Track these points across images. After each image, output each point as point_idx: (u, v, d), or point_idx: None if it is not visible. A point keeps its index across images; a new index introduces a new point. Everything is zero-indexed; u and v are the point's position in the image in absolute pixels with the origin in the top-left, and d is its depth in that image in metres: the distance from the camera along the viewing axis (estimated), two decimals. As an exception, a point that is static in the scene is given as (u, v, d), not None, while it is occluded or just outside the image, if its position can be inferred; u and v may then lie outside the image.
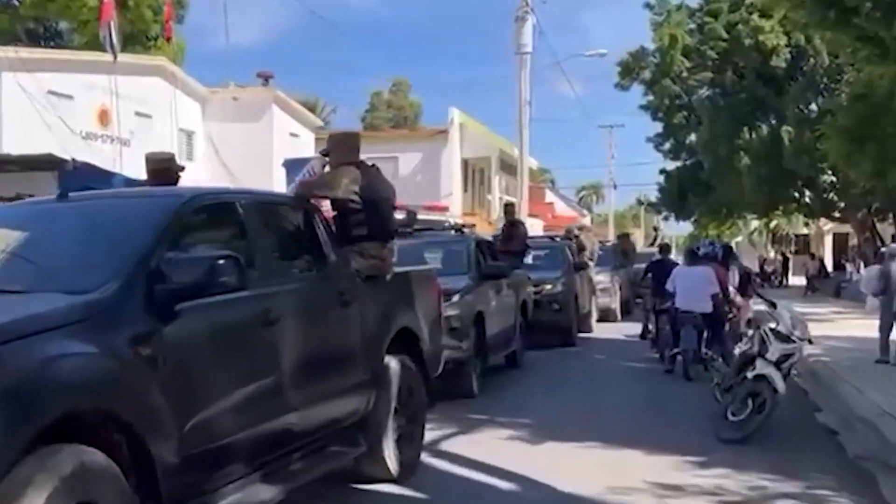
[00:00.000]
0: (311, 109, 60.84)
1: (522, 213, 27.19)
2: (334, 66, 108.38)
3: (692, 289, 11.84)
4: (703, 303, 11.77)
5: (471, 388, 10.08)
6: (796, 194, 33.21)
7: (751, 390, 7.93)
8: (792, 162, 28.84)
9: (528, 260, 17.39)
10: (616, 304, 21.08)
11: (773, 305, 8.64)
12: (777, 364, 7.92)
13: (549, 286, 15.32)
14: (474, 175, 38.61)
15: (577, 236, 19.80)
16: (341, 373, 5.67)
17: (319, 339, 5.44)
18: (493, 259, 12.33)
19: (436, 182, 33.02)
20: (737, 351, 8.63)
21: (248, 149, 26.30)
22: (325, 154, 6.65)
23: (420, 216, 21.28)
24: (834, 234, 49.36)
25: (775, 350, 7.96)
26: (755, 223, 53.09)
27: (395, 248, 6.47)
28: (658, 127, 36.67)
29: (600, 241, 23.97)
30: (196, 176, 22.46)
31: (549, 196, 62.42)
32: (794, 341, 8.10)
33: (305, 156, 14.44)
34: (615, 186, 63.68)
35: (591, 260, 19.32)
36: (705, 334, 11.79)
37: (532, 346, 14.47)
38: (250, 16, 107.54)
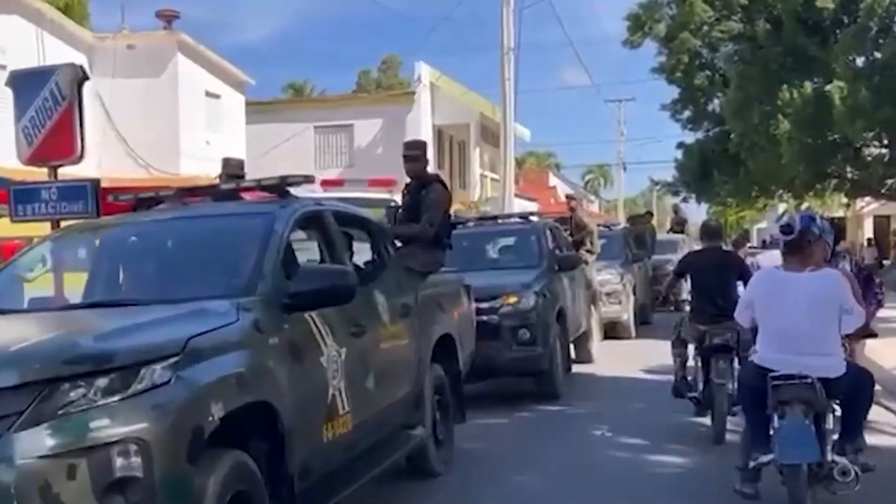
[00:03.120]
0: (299, 91, 56.00)
1: (508, 192, 21.36)
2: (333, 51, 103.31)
3: (804, 325, 5.22)
4: (826, 357, 5.23)
5: None
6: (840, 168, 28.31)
7: None
8: (846, 126, 23.48)
9: (493, 253, 11.49)
10: (628, 314, 14.79)
11: None
12: None
13: (512, 299, 8.83)
14: (451, 147, 32.43)
15: (573, 213, 14.01)
16: None
17: None
18: (351, 255, 5.99)
19: (399, 155, 26.75)
20: None
21: (149, 111, 21.45)
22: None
23: (359, 194, 15.48)
24: (874, 217, 45.18)
25: None
26: (783, 206, 47.91)
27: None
28: (674, 92, 30.91)
29: (604, 226, 17.28)
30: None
31: (553, 180, 59.41)
32: None
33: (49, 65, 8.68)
34: (624, 167, 58.25)
35: (590, 252, 13.29)
36: (830, 418, 5.30)
37: (484, 400, 8.81)
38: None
